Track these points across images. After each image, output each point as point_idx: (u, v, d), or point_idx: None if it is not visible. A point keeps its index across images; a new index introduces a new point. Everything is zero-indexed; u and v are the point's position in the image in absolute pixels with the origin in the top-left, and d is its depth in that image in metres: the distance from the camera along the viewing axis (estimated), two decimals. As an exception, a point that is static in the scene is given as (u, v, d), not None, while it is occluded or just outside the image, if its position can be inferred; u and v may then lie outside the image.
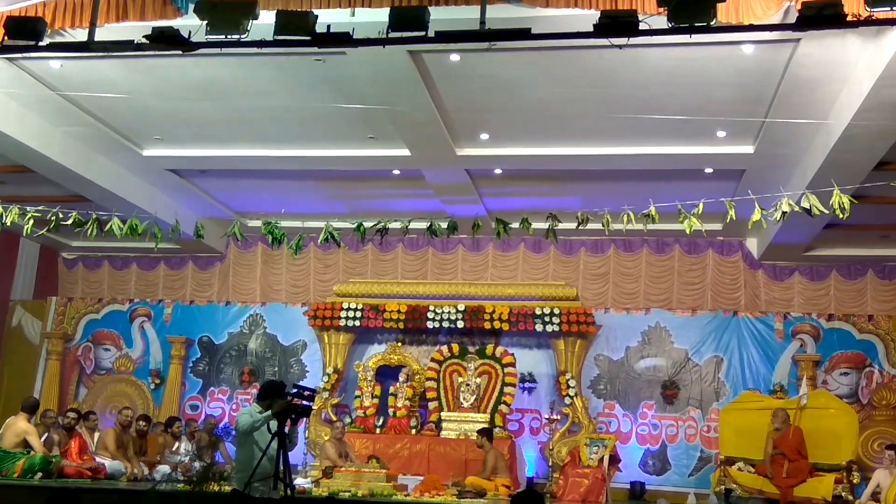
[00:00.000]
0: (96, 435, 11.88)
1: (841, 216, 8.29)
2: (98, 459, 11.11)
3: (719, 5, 6.11)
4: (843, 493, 10.89)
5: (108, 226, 10.21)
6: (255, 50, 6.90)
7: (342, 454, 11.38)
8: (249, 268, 15.48)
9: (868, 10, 5.92)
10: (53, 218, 10.21)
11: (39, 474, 10.20)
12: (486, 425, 12.06)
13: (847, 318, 13.54)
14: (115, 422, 12.04)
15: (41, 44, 6.88)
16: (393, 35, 6.37)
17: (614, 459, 11.86)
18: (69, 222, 10.18)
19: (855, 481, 11.15)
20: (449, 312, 13.32)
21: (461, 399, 12.80)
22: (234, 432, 10.60)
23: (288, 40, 6.49)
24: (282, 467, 6.71)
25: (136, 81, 9.67)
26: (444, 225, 10.23)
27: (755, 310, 13.86)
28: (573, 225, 9.55)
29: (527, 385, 13.45)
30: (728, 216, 9.09)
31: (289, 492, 6.80)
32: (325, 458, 11.35)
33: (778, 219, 8.69)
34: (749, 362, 13.54)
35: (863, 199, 9.37)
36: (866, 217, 11.00)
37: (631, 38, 6.23)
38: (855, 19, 6.04)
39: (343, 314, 13.62)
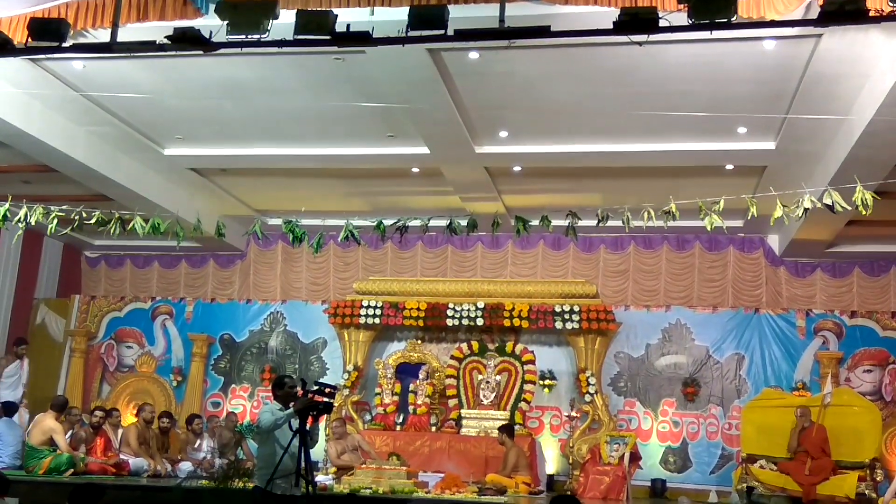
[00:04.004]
0: (119, 432, 11.99)
1: (864, 212, 8.24)
2: (122, 456, 11.24)
3: (740, 1, 6.08)
4: (867, 491, 10.81)
5: (130, 224, 10.30)
6: (275, 49, 6.90)
7: (345, 451, 11.39)
8: (270, 266, 15.56)
9: (891, 5, 5.85)
10: (77, 217, 10.30)
11: (70, 471, 10.32)
12: (506, 423, 12.07)
13: (870, 315, 13.44)
14: (138, 418, 12.16)
15: (64, 45, 6.92)
16: (412, 34, 6.35)
17: (635, 457, 11.84)
18: (92, 221, 10.28)
19: (878, 479, 11.07)
20: (468, 310, 13.27)
21: (481, 396, 12.80)
22: (255, 429, 10.66)
23: (308, 40, 6.49)
24: (303, 464, 6.76)
25: (158, 81, 9.74)
26: (464, 223, 10.23)
27: (777, 307, 13.77)
28: (593, 222, 9.50)
29: (547, 382, 13.43)
30: (749, 213, 9.03)
31: (310, 489, 6.85)
32: (330, 460, 11.45)
33: (800, 215, 8.62)
34: (771, 359, 13.45)
35: (886, 195, 9.30)
36: (889, 213, 10.89)
37: (651, 35, 6.20)
38: (878, 14, 5.98)
39: (363, 312, 13.62)
